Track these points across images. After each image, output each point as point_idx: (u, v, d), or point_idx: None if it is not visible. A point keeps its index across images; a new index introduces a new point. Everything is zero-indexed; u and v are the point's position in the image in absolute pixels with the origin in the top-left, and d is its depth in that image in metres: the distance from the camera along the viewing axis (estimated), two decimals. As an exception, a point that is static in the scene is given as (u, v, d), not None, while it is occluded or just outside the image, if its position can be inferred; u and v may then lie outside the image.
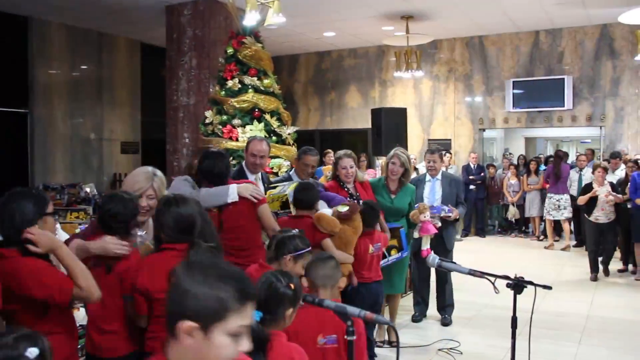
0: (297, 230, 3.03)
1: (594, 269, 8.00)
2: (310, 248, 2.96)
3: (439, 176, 5.87)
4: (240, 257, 3.54)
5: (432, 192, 5.79)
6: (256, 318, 1.89)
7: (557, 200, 10.18)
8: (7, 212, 2.43)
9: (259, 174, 4.55)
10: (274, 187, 4.47)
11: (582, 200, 8.13)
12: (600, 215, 7.98)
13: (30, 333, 1.58)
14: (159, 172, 3.21)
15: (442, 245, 5.65)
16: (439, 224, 5.42)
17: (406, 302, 6.18)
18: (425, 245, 5.29)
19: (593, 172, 8.38)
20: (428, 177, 5.90)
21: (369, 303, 4.10)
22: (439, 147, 6.57)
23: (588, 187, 8.17)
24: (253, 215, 3.74)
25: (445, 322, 5.84)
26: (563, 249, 10.13)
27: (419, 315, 5.97)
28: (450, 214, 5.49)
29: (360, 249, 4.20)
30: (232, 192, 3.59)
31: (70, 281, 2.37)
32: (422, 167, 10.49)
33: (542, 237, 11.12)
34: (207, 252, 2.62)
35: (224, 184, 3.71)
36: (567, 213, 10.14)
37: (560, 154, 10.68)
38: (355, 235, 4.06)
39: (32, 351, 1.52)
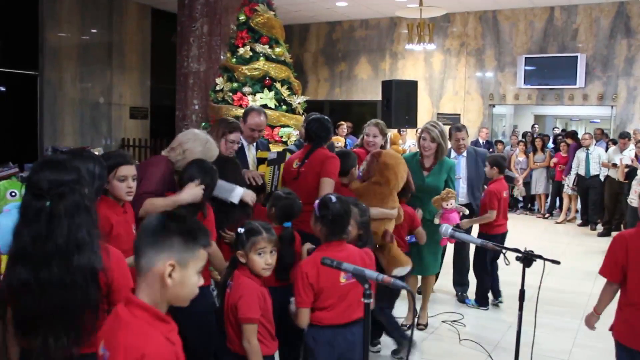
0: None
1: None
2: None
3: (465, 153, 5.66)
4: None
5: (458, 170, 5.50)
6: None
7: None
8: None
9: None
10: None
11: (621, 177, 8.07)
12: (634, 197, 7.52)
13: None
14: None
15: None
16: (467, 212, 4.98)
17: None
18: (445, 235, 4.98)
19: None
20: (453, 153, 5.64)
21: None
22: (447, 123, 6.43)
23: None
24: (316, 183, 3.89)
25: (462, 299, 5.77)
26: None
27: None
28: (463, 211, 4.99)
29: None
30: (236, 195, 3.56)
31: None
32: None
33: (547, 214, 11.14)
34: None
35: (320, 145, 4.05)
36: None
37: (575, 132, 10.90)
38: (385, 186, 3.83)
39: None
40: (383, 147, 4.78)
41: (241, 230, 2.72)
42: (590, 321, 3.12)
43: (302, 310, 2.78)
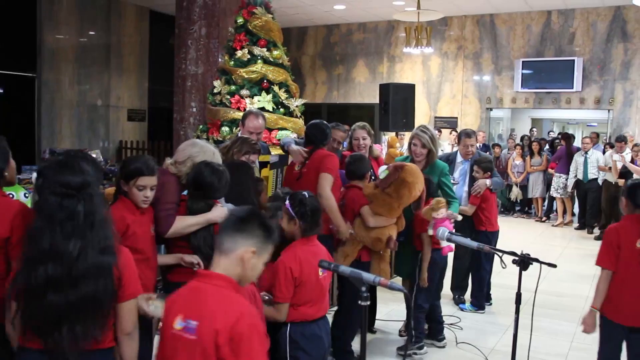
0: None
1: None
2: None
3: (471, 159, 5.60)
4: None
5: (463, 175, 5.56)
6: None
7: (566, 180, 10.35)
8: None
9: None
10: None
11: (615, 175, 8.08)
12: None
13: None
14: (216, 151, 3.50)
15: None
16: (459, 218, 4.83)
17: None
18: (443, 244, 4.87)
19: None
20: (460, 158, 5.63)
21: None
22: (460, 129, 6.32)
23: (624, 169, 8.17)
24: (316, 181, 4.04)
25: (458, 302, 5.75)
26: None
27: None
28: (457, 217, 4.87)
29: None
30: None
31: None
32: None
33: (544, 218, 11.16)
34: (201, 201, 3.12)
35: (319, 147, 4.22)
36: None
37: (570, 135, 10.85)
38: (396, 200, 3.86)
39: None
40: (370, 147, 4.94)
41: None
42: (588, 321, 3.25)
43: (284, 305, 2.85)
